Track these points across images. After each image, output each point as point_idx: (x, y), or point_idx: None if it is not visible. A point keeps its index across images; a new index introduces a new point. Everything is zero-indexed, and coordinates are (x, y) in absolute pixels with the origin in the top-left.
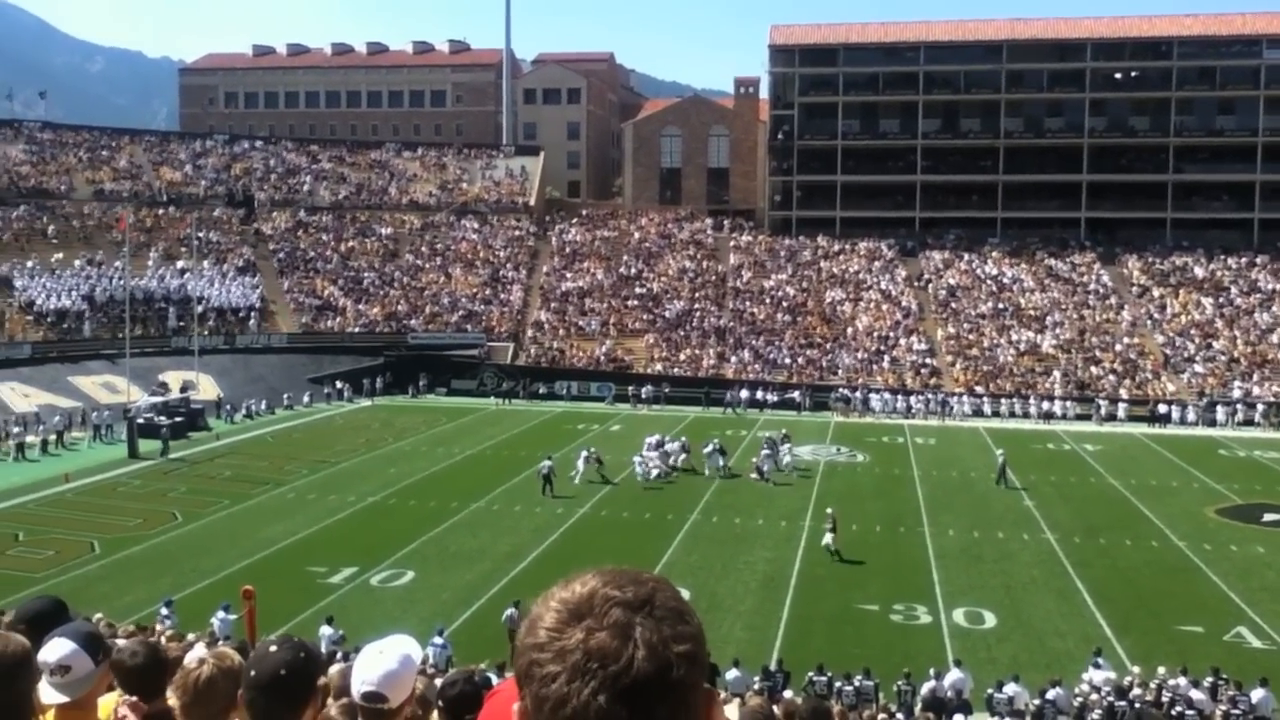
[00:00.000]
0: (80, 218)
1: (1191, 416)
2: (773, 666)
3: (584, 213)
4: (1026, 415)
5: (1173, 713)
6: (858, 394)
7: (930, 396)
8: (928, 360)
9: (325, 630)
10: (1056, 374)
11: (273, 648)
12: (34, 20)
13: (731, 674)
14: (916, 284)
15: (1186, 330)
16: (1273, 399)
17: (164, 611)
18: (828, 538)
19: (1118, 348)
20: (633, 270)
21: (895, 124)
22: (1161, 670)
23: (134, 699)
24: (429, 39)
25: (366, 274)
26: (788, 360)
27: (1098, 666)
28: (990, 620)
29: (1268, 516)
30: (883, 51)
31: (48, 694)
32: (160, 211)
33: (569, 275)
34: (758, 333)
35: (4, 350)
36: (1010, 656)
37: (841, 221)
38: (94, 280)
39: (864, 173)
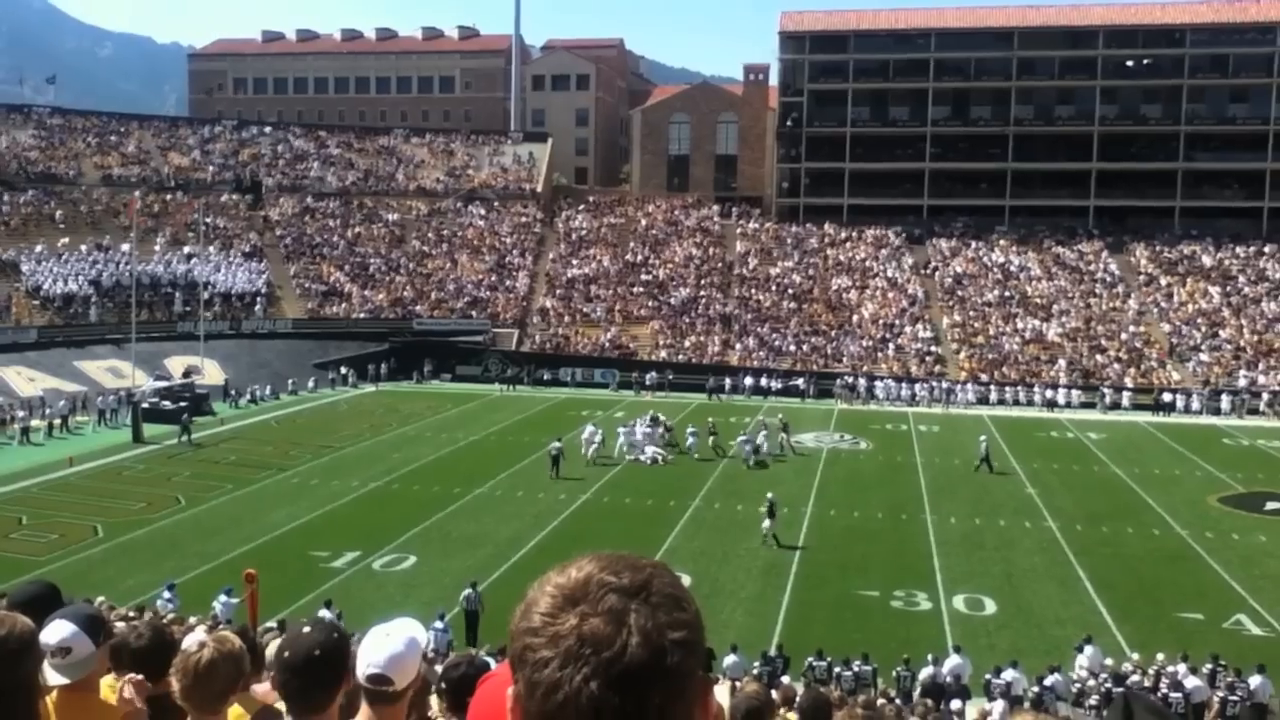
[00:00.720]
0: (88, 202)
1: (1196, 405)
2: (772, 652)
3: (591, 199)
4: (1031, 403)
5: (1169, 698)
6: (862, 381)
7: (934, 384)
8: (932, 348)
9: (324, 613)
10: (1062, 362)
11: (305, 629)
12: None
13: (729, 659)
14: (923, 272)
15: (1193, 319)
16: (1278, 388)
17: (166, 595)
18: (765, 523)
19: (1123, 336)
20: (639, 257)
21: (905, 111)
22: (1160, 656)
23: (138, 676)
24: (438, 25)
25: (373, 260)
26: (793, 348)
27: (1081, 651)
28: (990, 607)
29: (1270, 505)
30: (893, 38)
31: (49, 676)
32: (168, 197)
33: (575, 262)
34: (763, 320)
35: (10, 334)
36: (1010, 643)
37: (849, 209)
38: (100, 265)
39: (872, 160)
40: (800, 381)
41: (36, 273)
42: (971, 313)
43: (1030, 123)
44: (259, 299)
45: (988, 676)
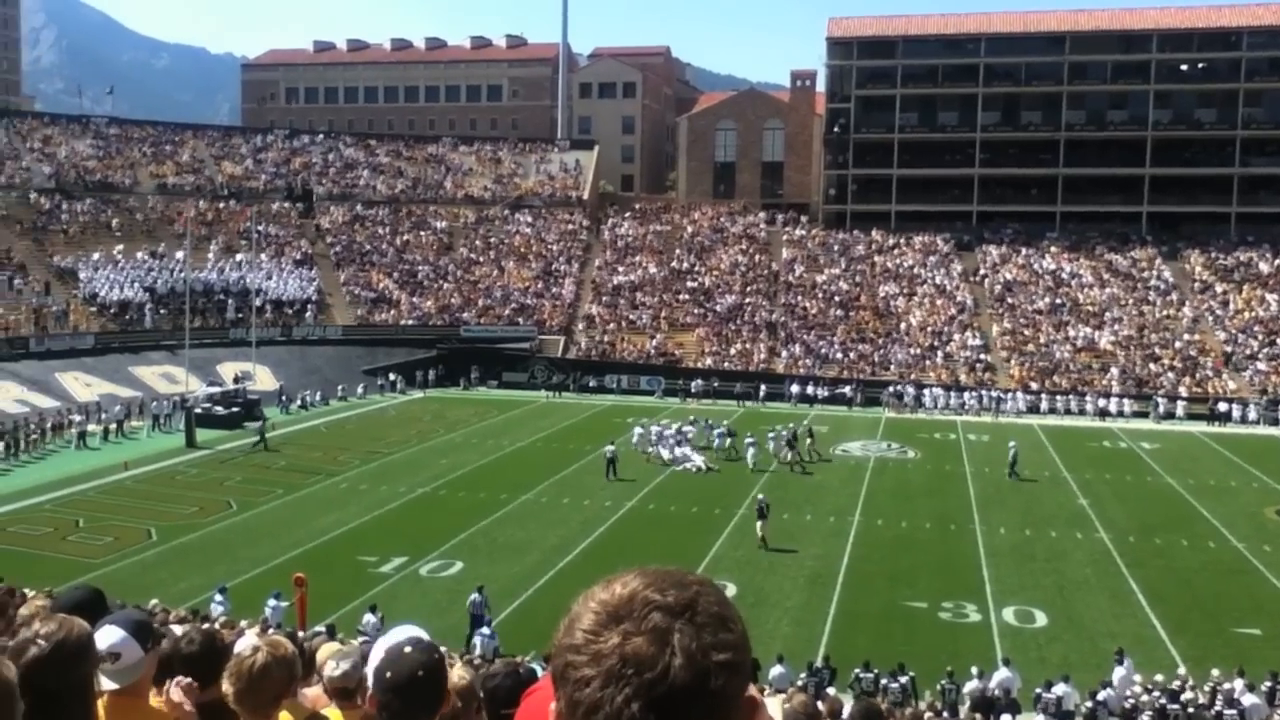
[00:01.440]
0: (144, 211)
1: (1253, 415)
2: (818, 663)
3: (637, 207)
4: (1083, 412)
5: (1223, 715)
6: (909, 390)
7: (984, 393)
8: (982, 356)
9: (369, 618)
10: (1114, 371)
11: (408, 649)
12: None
13: (775, 670)
14: (972, 279)
15: (1249, 327)
16: None
17: (218, 598)
18: (758, 524)
19: (1177, 344)
20: (685, 264)
21: (954, 117)
22: (1216, 673)
23: (186, 679)
24: (487, 34)
25: (421, 267)
26: (839, 355)
27: (1119, 663)
28: (1041, 619)
29: None
30: (942, 43)
31: (100, 681)
32: (221, 205)
33: (621, 269)
34: (809, 327)
35: (67, 340)
36: (1061, 657)
37: (897, 215)
38: (155, 272)
39: (921, 166)
40: (847, 389)
41: (94, 280)
42: (1022, 320)
43: (1082, 128)
44: (310, 306)
45: (1038, 690)
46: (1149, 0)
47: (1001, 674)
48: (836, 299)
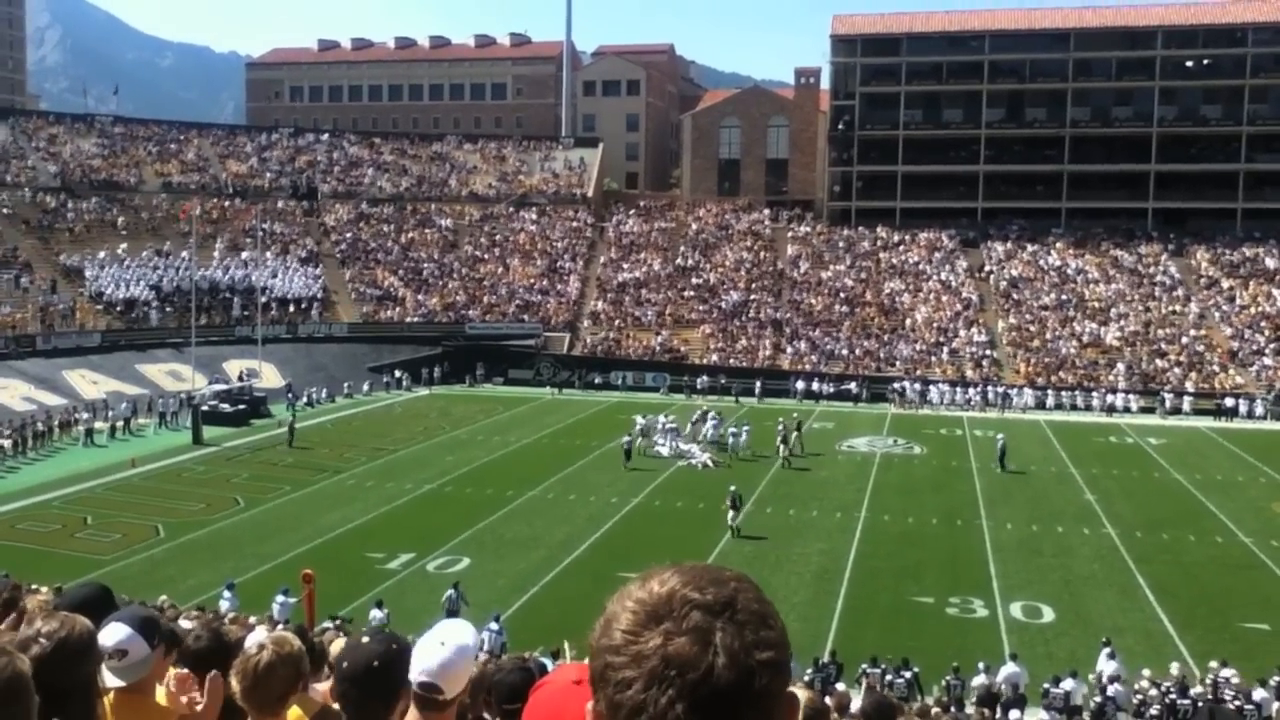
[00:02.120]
0: (149, 209)
1: (1260, 410)
2: (825, 658)
3: (641, 204)
4: (1089, 408)
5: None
6: (915, 385)
7: (990, 389)
8: (988, 352)
9: (375, 614)
10: (1120, 367)
11: (365, 639)
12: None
13: None
14: (978, 275)
15: (1256, 322)
16: None
17: (226, 594)
18: (730, 514)
19: (1184, 340)
20: (689, 261)
21: (958, 113)
22: (1214, 664)
23: (184, 671)
24: (491, 32)
25: (426, 264)
26: (845, 351)
27: (1111, 657)
28: (1049, 615)
29: None
30: (946, 40)
31: (106, 678)
32: (226, 203)
33: (626, 266)
34: (815, 324)
35: (74, 338)
36: (1068, 652)
37: (902, 212)
38: (161, 270)
39: (925, 163)
40: (853, 385)
41: (100, 278)
42: (1028, 316)
43: (1087, 124)
44: (315, 303)
45: (1046, 685)
46: None
47: (1009, 669)
48: (842, 295)
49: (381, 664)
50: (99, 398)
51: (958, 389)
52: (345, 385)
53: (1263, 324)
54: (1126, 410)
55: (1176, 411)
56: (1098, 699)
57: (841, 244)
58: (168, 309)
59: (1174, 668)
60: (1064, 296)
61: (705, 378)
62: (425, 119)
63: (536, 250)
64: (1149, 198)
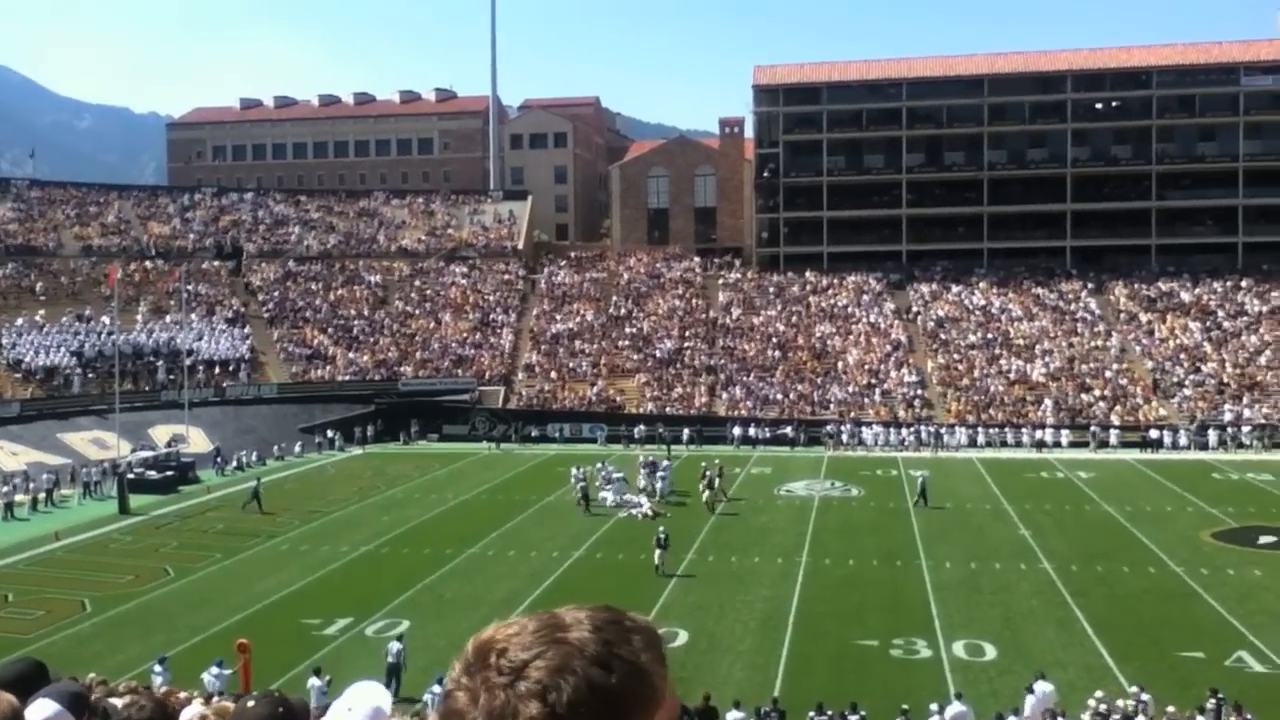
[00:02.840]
0: (69, 274)
1: (1184, 441)
2: (766, 707)
3: (573, 255)
4: (1019, 444)
5: None
6: (849, 428)
7: (922, 428)
8: (919, 392)
9: (314, 681)
10: (1048, 402)
11: (250, 703)
12: (20, 79)
13: (732, 715)
14: (905, 316)
15: (1175, 355)
16: (1263, 421)
17: (157, 669)
18: (656, 554)
19: (1107, 374)
20: (622, 310)
21: (879, 159)
22: (1134, 689)
23: None
24: (416, 88)
25: (356, 322)
26: (779, 396)
27: (1031, 692)
28: (991, 652)
29: (1263, 539)
30: (866, 88)
31: None
32: (149, 265)
33: (559, 317)
34: (748, 369)
35: None
36: (1012, 688)
37: (829, 256)
38: (82, 336)
39: (850, 208)
40: (789, 430)
41: (18, 345)
42: (955, 355)
43: (1004, 167)
44: (243, 365)
45: None
46: (1063, 42)
47: (955, 709)
48: (774, 340)
49: None
50: (19, 469)
51: (891, 430)
52: (275, 447)
53: (1181, 356)
54: (1056, 445)
55: (1104, 445)
56: None
57: (772, 289)
58: (90, 375)
59: (1098, 694)
60: (989, 335)
61: (642, 426)
62: (351, 175)
63: (468, 304)
64: (1066, 236)
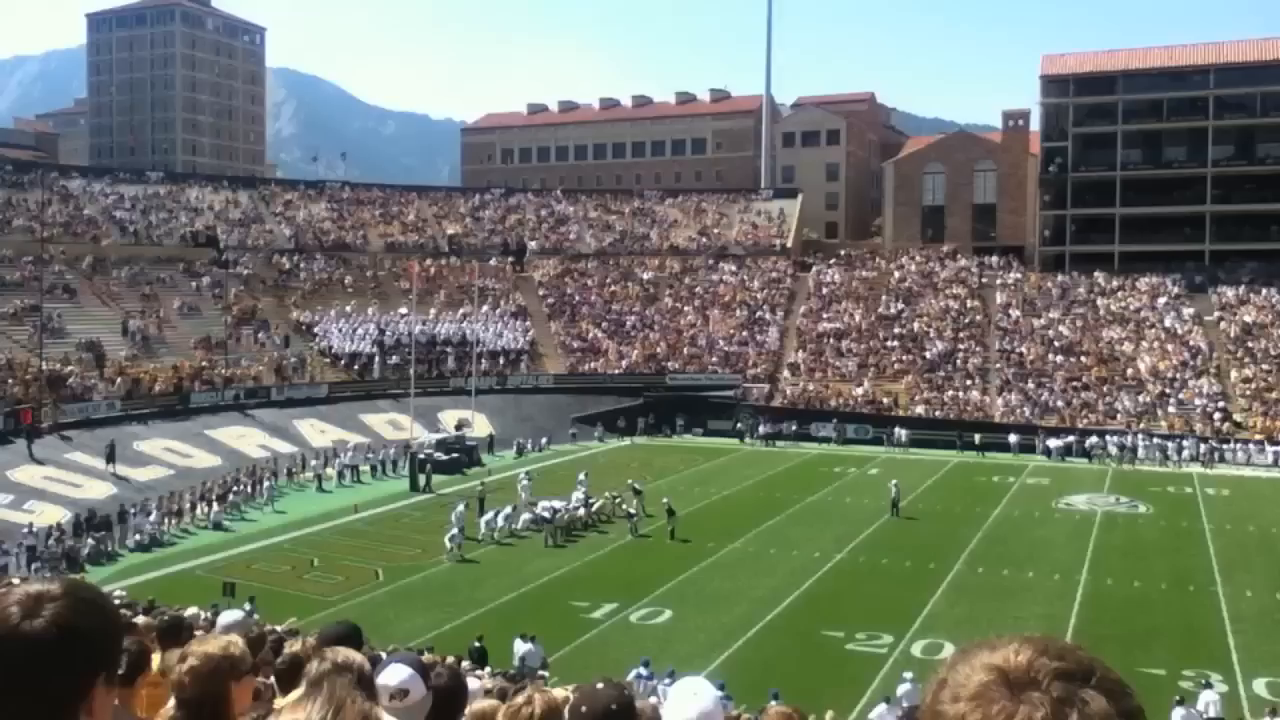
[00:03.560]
0: (374, 268)
1: None
2: None
3: (842, 253)
4: None
5: None
6: (1139, 439)
7: (1223, 444)
8: (1220, 404)
9: (522, 646)
10: None
11: (600, 685)
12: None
13: None
14: (1207, 322)
15: None
16: None
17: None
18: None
19: None
20: (892, 310)
21: (1181, 151)
22: None
23: None
24: (691, 89)
25: (628, 317)
26: (1060, 403)
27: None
28: None
29: None
30: (1167, 76)
31: (383, 717)
32: (443, 261)
33: (826, 316)
34: (1026, 374)
35: (305, 390)
36: None
37: (1120, 256)
38: (383, 326)
39: (1146, 204)
40: (1071, 438)
41: (328, 333)
42: (1265, 366)
43: None
44: (524, 356)
45: None
46: None
47: None
48: (1056, 345)
49: (619, 708)
50: (327, 446)
51: (1185, 443)
52: (544, 438)
53: None
54: None
55: None
56: None
57: (1055, 290)
58: (389, 362)
59: None
60: None
61: (903, 430)
62: (628, 175)
63: (736, 301)
64: None
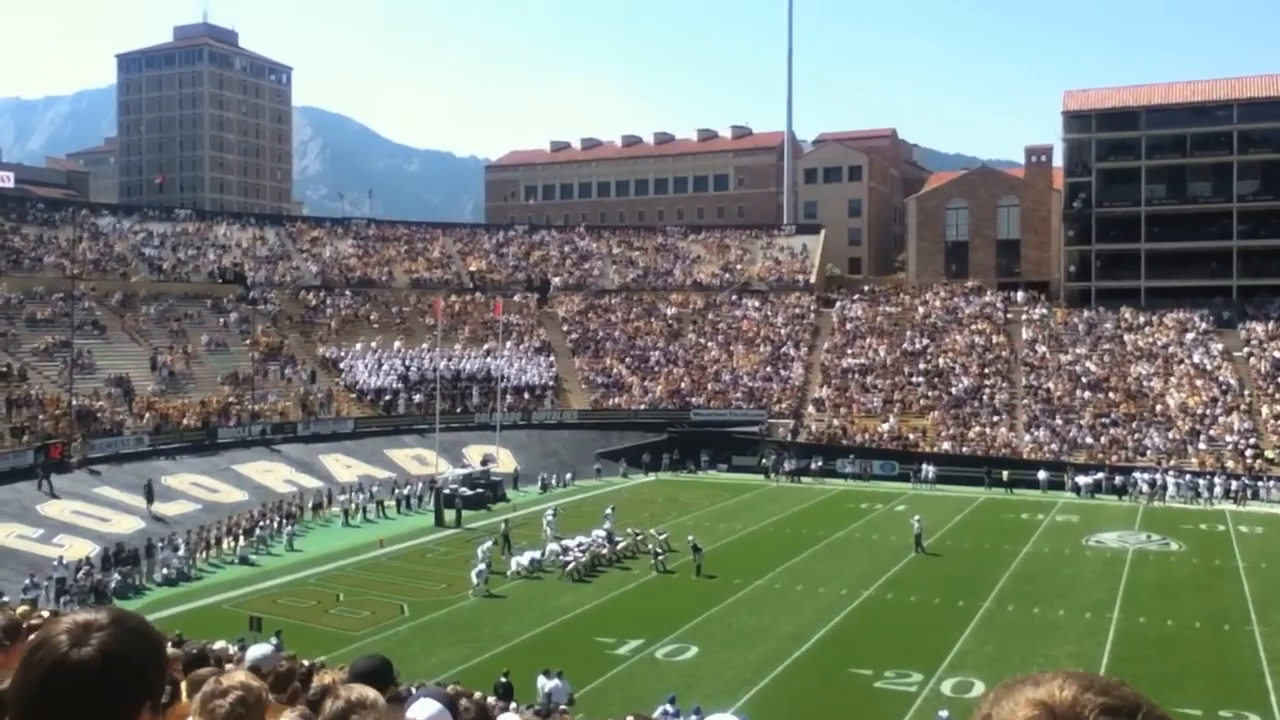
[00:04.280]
0: (399, 304)
1: None
2: None
3: (865, 289)
4: None
5: None
6: (1169, 476)
7: (1255, 481)
8: (1251, 441)
9: (546, 682)
10: None
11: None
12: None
13: None
14: (1236, 358)
15: None
16: None
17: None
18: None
19: None
20: (917, 345)
21: (1206, 187)
22: None
23: None
24: (713, 126)
25: (652, 352)
26: (1089, 440)
27: None
28: None
29: None
30: (1190, 111)
31: None
32: (467, 297)
33: (850, 351)
34: (1054, 410)
35: (331, 425)
36: None
37: (1146, 291)
38: (408, 361)
39: (1171, 239)
40: (1100, 475)
41: (354, 369)
42: None
43: None
44: (548, 391)
45: None
46: None
47: None
48: (1083, 380)
49: None
50: (353, 480)
51: (1216, 480)
52: (568, 474)
53: None
54: None
55: None
56: None
57: (1081, 326)
58: (413, 397)
59: None
60: None
61: (929, 466)
62: (651, 212)
63: (760, 337)
64: None
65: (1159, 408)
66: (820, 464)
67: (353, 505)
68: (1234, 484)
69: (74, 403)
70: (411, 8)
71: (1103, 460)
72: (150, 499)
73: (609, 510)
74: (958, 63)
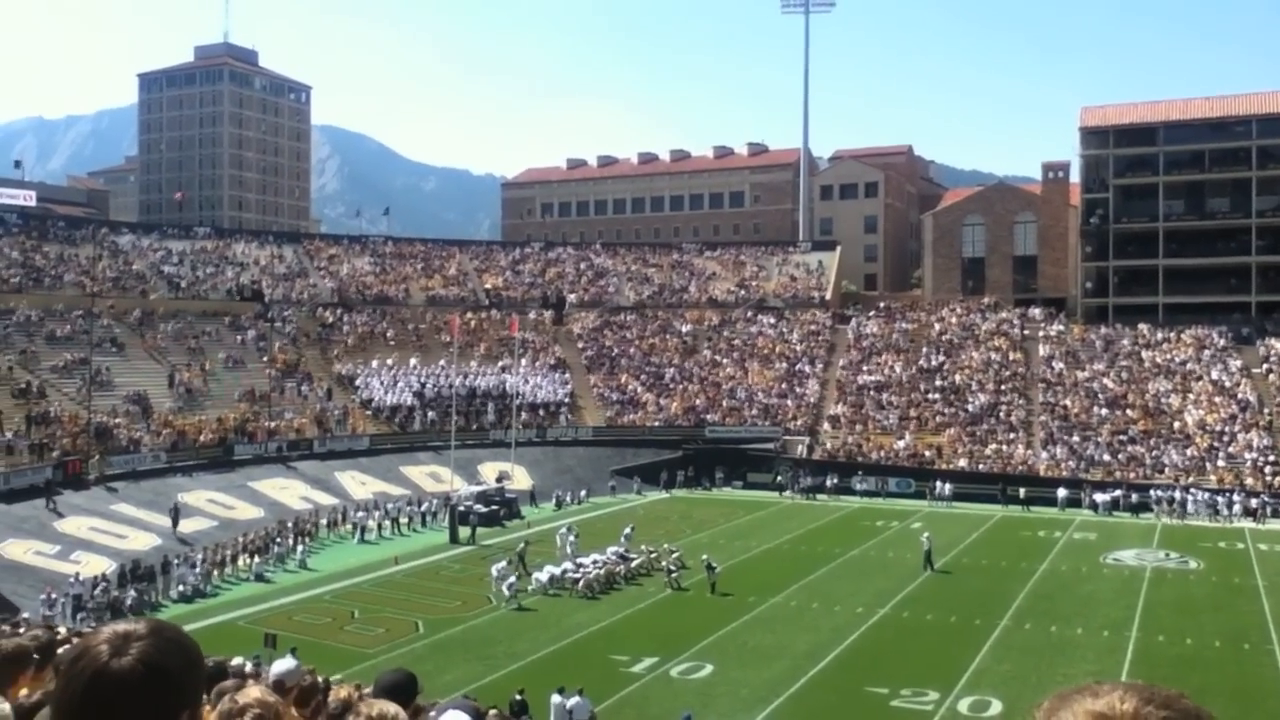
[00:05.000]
0: (415, 320)
1: None
2: None
3: (881, 305)
4: None
5: None
6: (1188, 494)
7: (1275, 498)
8: (1271, 458)
9: (560, 700)
10: None
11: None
12: (378, 147)
13: None
14: (1255, 374)
15: None
16: None
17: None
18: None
19: None
20: (933, 362)
21: (1224, 202)
22: None
23: None
24: (729, 143)
25: (667, 369)
26: (1106, 457)
27: None
28: None
29: None
30: (1208, 127)
31: None
32: (483, 314)
33: (866, 368)
34: (1071, 428)
35: (346, 442)
36: None
37: (1165, 308)
38: (424, 378)
39: (1190, 255)
40: (1117, 493)
41: (370, 386)
42: None
43: None
44: (563, 408)
45: None
46: None
47: None
48: (1101, 397)
49: None
50: (369, 497)
51: (1235, 497)
52: (583, 490)
53: None
54: None
55: None
56: None
57: (1099, 342)
58: (429, 414)
59: None
60: None
61: (945, 483)
62: (666, 229)
63: (775, 354)
64: None
65: (1177, 425)
66: (835, 481)
67: (370, 522)
68: (1253, 501)
69: (92, 420)
70: (429, 28)
71: (1120, 478)
72: (176, 522)
73: (628, 530)
74: (974, 79)
